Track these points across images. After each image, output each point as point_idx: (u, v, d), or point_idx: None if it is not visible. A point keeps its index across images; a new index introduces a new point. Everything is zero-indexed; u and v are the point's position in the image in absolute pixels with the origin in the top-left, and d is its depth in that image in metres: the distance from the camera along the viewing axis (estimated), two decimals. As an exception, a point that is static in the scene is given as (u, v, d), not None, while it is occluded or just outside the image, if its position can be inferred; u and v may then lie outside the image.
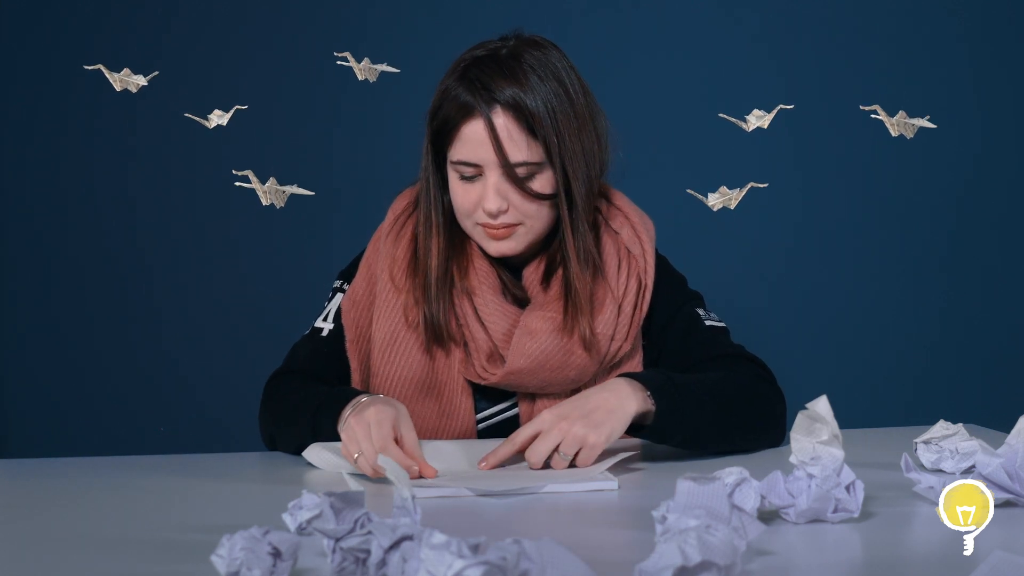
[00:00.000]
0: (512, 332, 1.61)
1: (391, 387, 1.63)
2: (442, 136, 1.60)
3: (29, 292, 2.81)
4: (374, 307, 1.66)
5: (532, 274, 1.67)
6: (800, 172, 2.77)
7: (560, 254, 1.65)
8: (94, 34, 2.75)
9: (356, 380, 1.67)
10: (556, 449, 1.41)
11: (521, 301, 1.66)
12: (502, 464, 1.45)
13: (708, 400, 1.51)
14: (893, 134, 1.21)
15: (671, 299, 1.69)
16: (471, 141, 1.57)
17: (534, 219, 1.61)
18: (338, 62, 1.38)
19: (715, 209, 1.16)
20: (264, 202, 1.22)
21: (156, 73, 1.22)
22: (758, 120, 1.16)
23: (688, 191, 1.33)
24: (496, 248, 1.62)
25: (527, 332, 1.60)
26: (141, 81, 1.25)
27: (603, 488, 1.32)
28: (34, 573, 1.04)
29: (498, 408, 1.65)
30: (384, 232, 1.69)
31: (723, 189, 1.15)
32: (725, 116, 1.23)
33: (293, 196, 2.11)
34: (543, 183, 1.59)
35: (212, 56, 2.74)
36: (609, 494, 1.31)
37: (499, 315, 1.62)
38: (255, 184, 1.22)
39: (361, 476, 1.40)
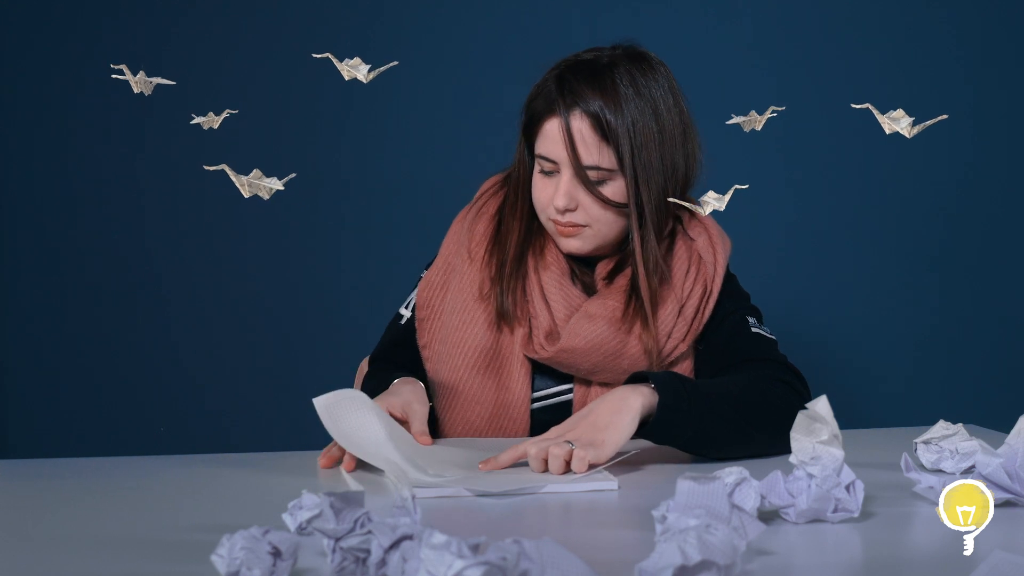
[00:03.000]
0: (573, 314, 1.69)
1: (458, 355, 1.70)
2: (530, 128, 1.69)
3: (29, 292, 2.81)
4: (450, 279, 1.75)
5: (602, 268, 1.74)
6: (795, 173, 2.77)
7: (631, 259, 1.70)
8: (99, 32, 2.75)
9: (426, 356, 1.76)
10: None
11: (589, 289, 1.73)
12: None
13: (720, 396, 1.49)
14: (887, 131, 1.21)
15: (728, 306, 1.74)
16: (549, 138, 1.65)
17: (601, 224, 1.67)
18: (344, 61, 1.38)
19: (706, 212, 1.16)
20: (245, 195, 1.21)
21: (162, 79, 1.22)
22: (753, 121, 1.16)
23: (670, 200, 1.33)
24: (565, 245, 1.71)
25: (586, 315, 1.67)
26: (162, 81, 1.25)
27: (603, 488, 1.33)
28: (34, 573, 1.04)
29: (555, 390, 1.71)
30: (466, 210, 1.80)
31: (712, 193, 1.15)
32: (735, 116, 1.22)
33: (297, 197, 2.11)
34: (614, 191, 1.65)
35: (220, 55, 2.75)
36: (609, 494, 1.31)
37: (562, 296, 1.70)
38: (232, 177, 1.21)
39: (360, 476, 1.40)
